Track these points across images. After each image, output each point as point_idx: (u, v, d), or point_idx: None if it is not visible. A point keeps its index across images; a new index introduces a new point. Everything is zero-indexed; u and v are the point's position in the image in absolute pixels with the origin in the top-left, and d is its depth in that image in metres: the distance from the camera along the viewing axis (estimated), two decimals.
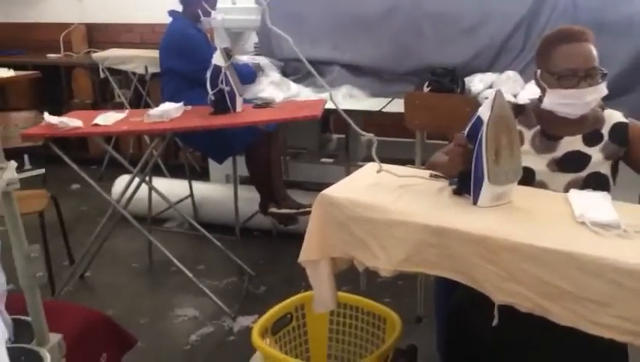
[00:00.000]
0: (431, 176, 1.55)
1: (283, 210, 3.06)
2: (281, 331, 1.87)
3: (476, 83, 3.05)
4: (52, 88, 4.62)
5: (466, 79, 3.08)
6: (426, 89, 2.95)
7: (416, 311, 2.48)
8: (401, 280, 2.74)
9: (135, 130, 2.88)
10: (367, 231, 1.40)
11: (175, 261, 2.66)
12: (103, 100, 4.59)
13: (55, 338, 0.75)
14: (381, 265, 1.38)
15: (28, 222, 1.04)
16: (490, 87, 3.02)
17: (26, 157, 4.20)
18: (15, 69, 4.32)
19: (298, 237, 1.56)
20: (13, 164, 0.69)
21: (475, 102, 2.72)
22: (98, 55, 4.26)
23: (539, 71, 1.66)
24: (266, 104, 2.84)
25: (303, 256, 1.51)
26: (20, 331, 0.80)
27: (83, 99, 4.61)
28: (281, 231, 3.28)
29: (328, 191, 1.48)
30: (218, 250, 2.98)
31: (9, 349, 0.70)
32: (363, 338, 1.89)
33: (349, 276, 2.02)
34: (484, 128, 1.34)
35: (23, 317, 0.80)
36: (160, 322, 2.59)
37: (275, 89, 3.11)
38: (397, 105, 2.99)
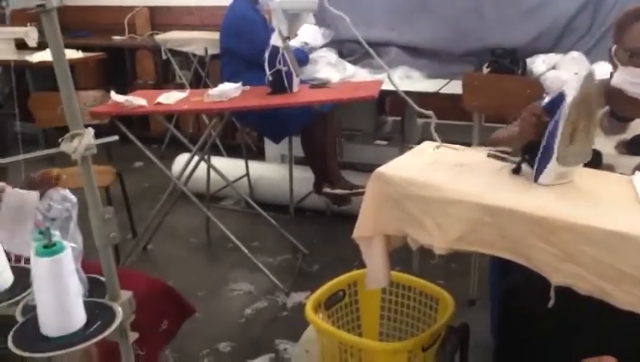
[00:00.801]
0: (489, 155, 1.53)
1: (337, 191, 3.09)
2: (333, 307, 1.90)
3: (539, 64, 2.96)
4: (117, 69, 4.80)
5: (528, 60, 3.00)
6: (485, 70, 2.90)
7: (470, 293, 2.46)
8: (455, 262, 2.72)
9: (196, 109, 2.96)
10: (421, 209, 1.40)
11: (232, 237, 2.74)
12: (165, 81, 4.73)
13: (126, 295, 0.81)
14: (436, 243, 1.38)
15: None
16: (554, 68, 2.93)
17: None
18: (83, 50, 4.52)
19: (351, 218, 1.58)
20: (90, 130, 0.75)
21: (536, 84, 2.65)
22: (160, 37, 4.39)
23: (614, 46, 1.60)
24: (322, 84, 2.86)
25: (357, 233, 1.53)
26: (94, 289, 0.86)
27: (146, 80, 4.76)
28: (334, 211, 3.32)
29: (383, 169, 1.48)
30: (272, 228, 3.05)
31: (85, 302, 0.76)
32: (415, 317, 1.90)
33: (401, 256, 2.02)
34: (565, 106, 1.29)
35: (96, 276, 0.86)
36: (216, 295, 2.68)
37: (331, 70, 3.12)
38: (454, 87, 2.95)
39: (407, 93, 2.95)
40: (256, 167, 3.57)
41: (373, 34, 3.25)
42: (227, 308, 2.59)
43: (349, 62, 3.32)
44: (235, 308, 2.57)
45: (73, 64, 4.53)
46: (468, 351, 1.67)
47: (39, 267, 0.69)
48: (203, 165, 2.98)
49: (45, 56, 4.29)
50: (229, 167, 3.48)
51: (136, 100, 2.57)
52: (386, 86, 2.78)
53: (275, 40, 2.60)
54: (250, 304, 2.60)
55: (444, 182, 1.40)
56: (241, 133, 3.74)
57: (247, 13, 3.04)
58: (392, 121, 3.88)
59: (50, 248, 0.71)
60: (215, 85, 2.89)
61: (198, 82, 4.35)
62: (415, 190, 1.41)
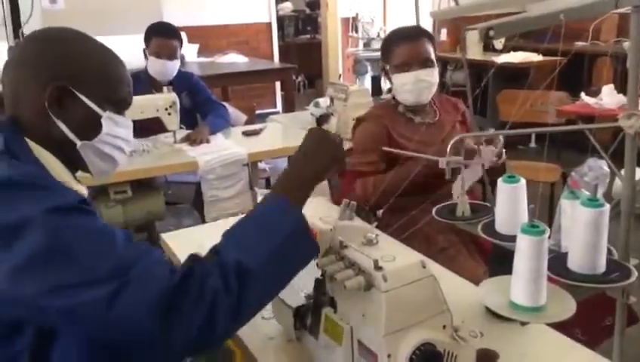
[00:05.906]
0: None
1: None
2: None
3: None
4: (572, 74, 4.84)
5: None
6: None
7: None
8: None
9: None
10: None
11: None
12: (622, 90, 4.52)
13: (634, 261, 0.91)
14: None
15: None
16: None
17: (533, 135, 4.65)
18: (543, 54, 4.73)
19: None
20: None
21: None
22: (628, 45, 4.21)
23: None
24: None
25: None
26: None
27: (600, 87, 4.66)
28: None
29: None
30: None
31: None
32: None
33: None
34: None
35: None
36: None
37: None
38: None
39: None
40: None
41: None
42: None
43: None
44: None
45: (531, 66, 4.82)
46: None
47: (587, 215, 0.86)
48: None
49: (510, 57, 4.69)
50: None
51: (607, 102, 2.60)
52: None
53: None
54: None
55: None
56: None
57: None
58: None
59: (593, 201, 0.87)
60: None
61: None
62: None
